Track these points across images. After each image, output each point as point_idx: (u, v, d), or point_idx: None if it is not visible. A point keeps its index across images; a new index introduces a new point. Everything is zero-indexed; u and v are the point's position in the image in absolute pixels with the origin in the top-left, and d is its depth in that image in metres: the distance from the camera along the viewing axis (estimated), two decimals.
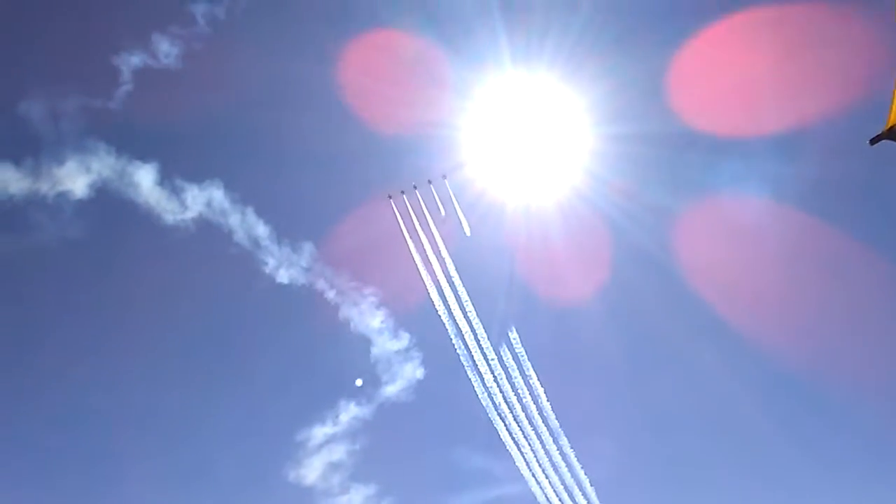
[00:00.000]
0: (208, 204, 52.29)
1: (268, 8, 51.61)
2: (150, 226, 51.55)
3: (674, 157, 53.34)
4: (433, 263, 53.07)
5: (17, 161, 48.47)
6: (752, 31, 49.68)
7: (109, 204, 50.94)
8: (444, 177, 52.09)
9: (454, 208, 53.26)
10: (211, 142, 52.06)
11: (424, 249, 52.98)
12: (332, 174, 54.20)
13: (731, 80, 51.11)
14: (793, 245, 54.32)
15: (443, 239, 53.11)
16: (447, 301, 53.22)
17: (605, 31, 51.34)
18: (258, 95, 52.43)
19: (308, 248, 54.07)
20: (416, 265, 52.90)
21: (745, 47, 50.12)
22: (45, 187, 49.36)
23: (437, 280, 53.09)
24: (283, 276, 53.96)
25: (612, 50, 51.32)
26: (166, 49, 49.79)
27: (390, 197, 51.71)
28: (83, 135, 49.46)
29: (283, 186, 54.59)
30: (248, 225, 53.02)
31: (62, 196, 49.84)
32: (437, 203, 52.79)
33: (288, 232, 53.50)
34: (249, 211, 52.89)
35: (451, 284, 53.17)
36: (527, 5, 51.80)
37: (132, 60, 49.64)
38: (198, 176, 51.77)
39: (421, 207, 52.63)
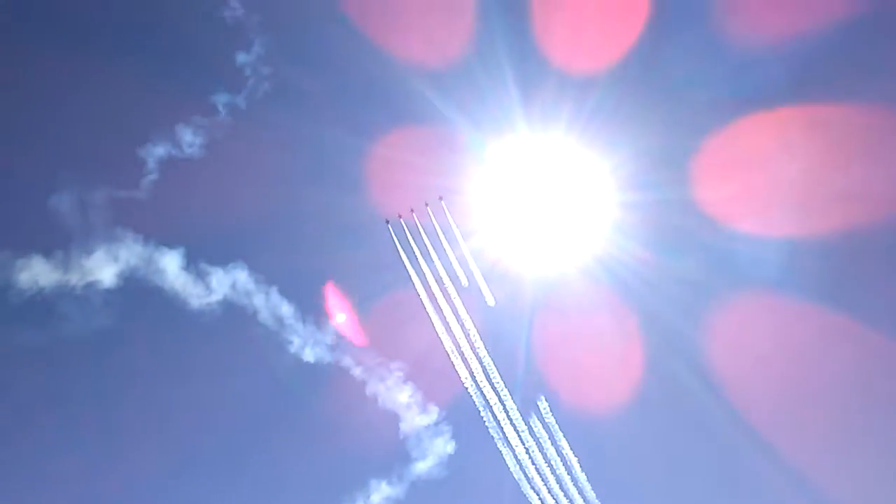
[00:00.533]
0: (233, 286, 53.05)
1: (284, 97, 53.37)
2: (176, 311, 52.35)
3: (697, 227, 53.64)
4: (458, 335, 52.93)
5: (46, 254, 49.73)
6: (789, 129, 50.34)
7: (137, 291, 51.80)
8: (441, 198, 52.61)
9: (475, 279, 53.39)
10: (234, 225, 52.95)
11: (448, 321, 52.95)
12: (352, 251, 54.62)
13: (762, 175, 51.70)
14: (819, 340, 53.25)
15: (466, 309, 53.14)
16: (474, 373, 52.78)
17: (623, 105, 52.73)
18: (278, 180, 53.67)
19: (332, 325, 54.34)
20: (440, 337, 52.88)
21: (779, 144, 50.81)
22: (74, 278, 50.38)
23: (463, 351, 52.85)
24: (308, 355, 54.11)
25: (629, 121, 52.51)
26: (189, 139, 51.67)
27: (388, 222, 52.23)
28: (111, 225, 50.87)
29: (305, 265, 55.12)
30: (272, 305, 53.54)
31: (90, 287, 50.74)
32: (457, 273, 53.02)
33: (312, 310, 54.05)
34: (273, 291, 53.57)
35: (477, 355, 52.83)
36: (541, 78, 53.15)
37: (157, 151, 51.54)
38: (222, 259, 52.92)
39: (441, 277, 52.86)
